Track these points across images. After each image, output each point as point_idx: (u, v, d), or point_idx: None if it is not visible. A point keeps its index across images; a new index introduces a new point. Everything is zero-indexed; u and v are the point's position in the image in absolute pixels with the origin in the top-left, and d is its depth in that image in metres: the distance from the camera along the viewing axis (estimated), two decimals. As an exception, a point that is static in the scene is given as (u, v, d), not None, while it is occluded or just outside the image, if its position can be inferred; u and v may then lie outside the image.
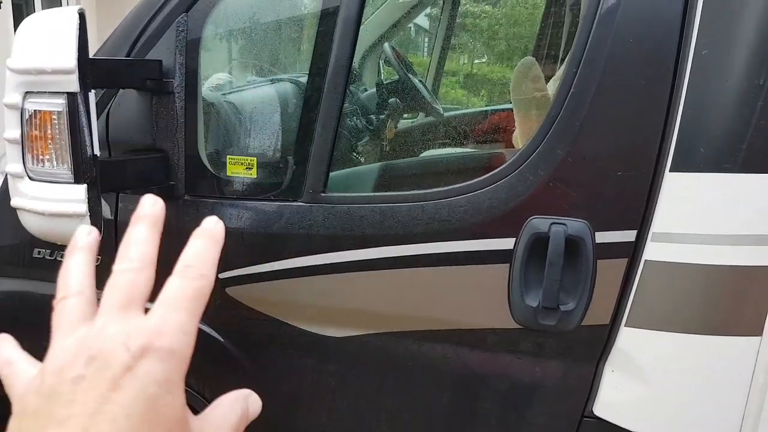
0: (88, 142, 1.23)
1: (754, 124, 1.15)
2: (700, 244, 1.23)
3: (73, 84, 1.07)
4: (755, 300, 1.21)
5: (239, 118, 1.67)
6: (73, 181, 1.12)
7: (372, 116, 2.12)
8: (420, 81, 2.58)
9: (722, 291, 1.25)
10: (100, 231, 1.27)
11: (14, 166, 1.15)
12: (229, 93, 1.74)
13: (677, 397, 1.32)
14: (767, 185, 1.17)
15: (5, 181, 1.48)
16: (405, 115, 2.53)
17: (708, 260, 1.23)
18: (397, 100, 2.33)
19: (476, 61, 3.77)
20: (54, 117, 1.10)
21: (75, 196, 1.12)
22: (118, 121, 1.56)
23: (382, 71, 2.72)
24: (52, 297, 0.41)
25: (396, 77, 2.40)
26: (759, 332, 1.20)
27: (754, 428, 1.23)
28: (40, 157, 1.14)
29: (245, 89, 1.81)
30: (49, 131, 1.10)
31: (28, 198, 1.16)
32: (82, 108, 1.16)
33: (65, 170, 1.13)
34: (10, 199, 1.32)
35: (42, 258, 1.71)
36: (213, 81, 1.78)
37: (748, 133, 1.16)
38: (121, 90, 1.55)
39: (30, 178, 1.15)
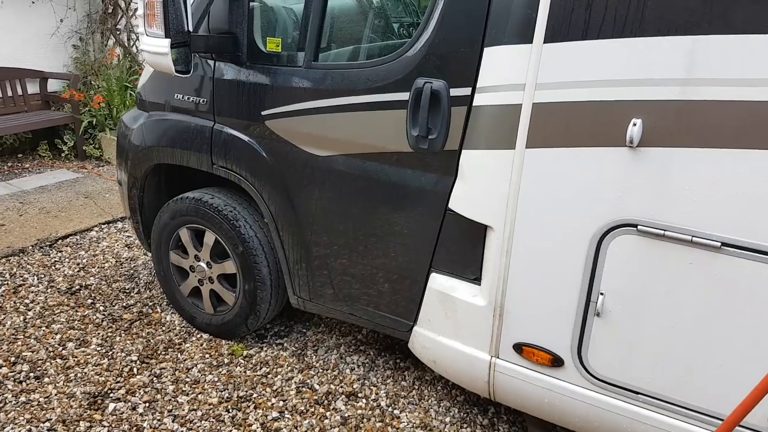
0: (185, 22, 2.34)
1: (529, 6, 1.85)
2: (496, 92, 1.97)
3: (164, -13, 2.18)
4: (509, 126, 1.93)
5: (277, 16, 2.69)
6: (163, 36, 2.24)
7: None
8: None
9: (499, 122, 1.98)
10: (189, 71, 2.39)
11: (140, 29, 2.32)
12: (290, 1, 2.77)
13: (474, 189, 2.11)
14: (525, 52, 1.87)
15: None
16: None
17: (496, 102, 1.98)
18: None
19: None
20: (157, 3, 2.21)
21: (164, 44, 2.25)
22: (214, 16, 2.67)
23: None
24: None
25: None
26: (513, 146, 1.93)
27: (515, 201, 1.98)
28: (151, 24, 2.27)
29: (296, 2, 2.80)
30: (155, 10, 2.22)
31: (146, 45, 2.33)
32: (171, 1, 2.25)
33: (161, 31, 2.25)
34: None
35: (180, 99, 2.93)
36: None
37: (531, 15, 1.85)
38: (215, -1, 2.65)
39: (146, 35, 2.31)
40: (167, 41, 2.22)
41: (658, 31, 1.69)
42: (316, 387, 2.91)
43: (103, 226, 4.77)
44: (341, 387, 2.91)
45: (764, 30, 1.57)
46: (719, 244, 1.74)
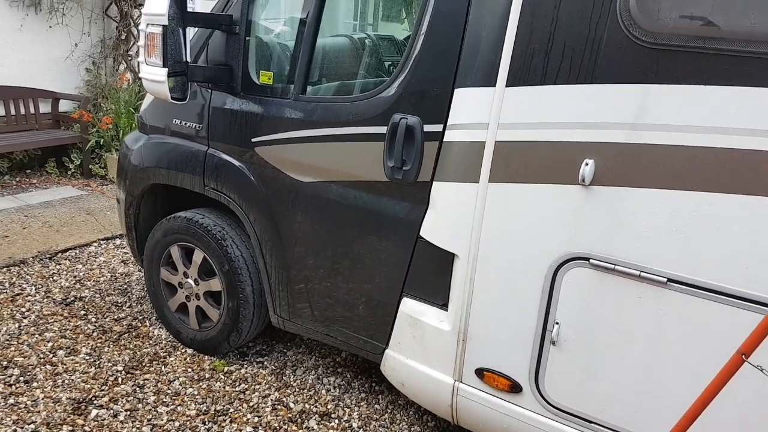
0: (183, 53, 2.52)
1: (493, 53, 2.01)
2: (464, 130, 2.12)
3: (164, 20, 2.35)
4: (475, 161, 2.07)
5: (270, 51, 2.87)
6: (161, 66, 2.42)
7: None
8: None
9: (466, 157, 2.12)
10: (185, 98, 2.57)
11: (141, 58, 2.49)
12: (283, 38, 2.95)
13: (443, 219, 2.24)
14: (489, 94, 2.02)
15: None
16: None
17: (463, 138, 2.12)
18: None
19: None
20: (157, 36, 2.39)
21: (161, 73, 2.42)
22: (212, 49, 2.85)
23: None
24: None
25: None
26: (477, 180, 2.06)
27: (478, 232, 2.10)
28: (151, 54, 2.45)
29: (290, 37, 2.99)
30: (155, 42, 2.41)
31: (145, 72, 2.50)
32: (170, 34, 2.43)
33: (159, 61, 2.43)
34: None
35: (177, 124, 3.10)
36: (278, 29, 2.99)
37: (495, 61, 2.01)
38: (215, 32, 2.83)
39: (146, 63, 2.48)
40: (164, 70, 2.40)
41: (610, 78, 1.83)
42: (292, 405, 2.99)
43: (102, 242, 4.91)
44: (316, 407, 3.00)
45: (705, 82, 1.72)
46: (665, 279, 1.85)
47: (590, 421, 2.09)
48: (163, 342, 3.47)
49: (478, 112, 2.05)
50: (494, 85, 1.98)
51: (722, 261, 1.76)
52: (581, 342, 2.02)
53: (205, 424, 2.81)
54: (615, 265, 1.91)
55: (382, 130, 2.36)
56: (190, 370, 3.22)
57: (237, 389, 3.10)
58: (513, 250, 2.06)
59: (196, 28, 2.77)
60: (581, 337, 2.02)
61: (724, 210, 1.73)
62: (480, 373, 2.26)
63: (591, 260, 1.93)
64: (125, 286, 4.18)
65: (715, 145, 1.71)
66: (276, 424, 2.84)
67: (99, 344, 3.41)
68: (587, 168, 1.86)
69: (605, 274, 1.94)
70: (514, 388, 2.19)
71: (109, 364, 3.22)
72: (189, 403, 2.96)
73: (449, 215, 2.22)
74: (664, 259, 1.85)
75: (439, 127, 2.22)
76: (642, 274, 1.88)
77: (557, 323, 2.04)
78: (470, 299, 2.20)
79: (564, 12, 1.89)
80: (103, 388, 3.02)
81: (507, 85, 1.96)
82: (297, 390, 3.12)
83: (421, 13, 2.25)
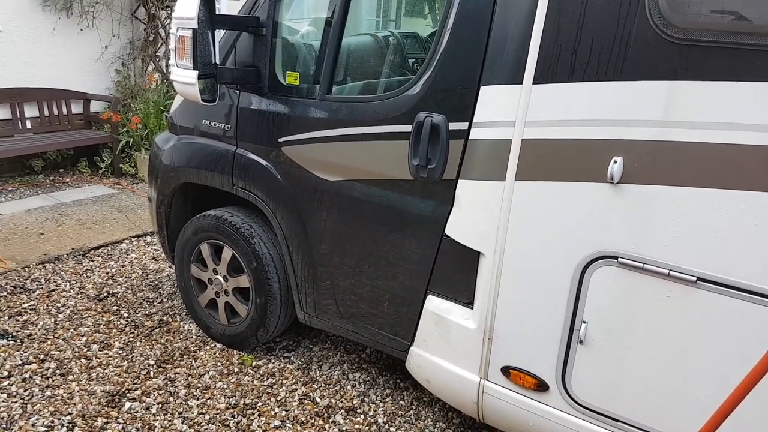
0: (212, 56, 2.57)
1: (520, 50, 2.01)
2: (490, 128, 2.12)
3: (194, 24, 2.39)
4: (501, 159, 2.07)
5: (297, 52, 2.90)
6: (192, 68, 2.46)
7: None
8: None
9: (492, 155, 2.12)
10: (215, 100, 2.62)
11: (172, 61, 2.55)
12: (308, 38, 2.98)
13: (468, 217, 2.24)
14: (516, 92, 2.02)
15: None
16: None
17: (489, 136, 2.12)
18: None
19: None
20: (187, 39, 2.44)
21: (192, 75, 2.46)
22: (240, 51, 2.89)
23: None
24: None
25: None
26: (503, 178, 2.06)
27: (504, 230, 2.10)
28: (181, 57, 2.50)
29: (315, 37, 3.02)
30: (185, 45, 2.45)
31: (176, 75, 2.55)
32: (200, 37, 2.47)
33: (190, 63, 2.47)
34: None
35: (207, 125, 3.16)
36: (303, 29, 3.02)
37: (522, 58, 2.01)
38: (242, 33, 2.87)
39: (177, 66, 2.53)
40: (195, 73, 2.44)
41: (638, 75, 1.82)
42: (318, 400, 3.03)
43: (133, 239, 5.02)
44: (342, 402, 3.03)
45: (736, 78, 1.69)
46: (695, 278, 1.83)
47: (618, 420, 2.08)
48: (194, 337, 3.54)
49: (505, 110, 2.05)
50: (521, 83, 1.98)
51: (753, 260, 1.74)
52: (609, 341, 2.01)
53: (234, 417, 2.86)
54: (644, 263, 1.89)
55: (408, 128, 2.37)
56: (219, 364, 3.28)
57: (265, 383, 3.15)
58: (540, 248, 2.06)
59: (224, 31, 2.81)
60: (609, 336, 2.01)
61: (754, 208, 1.70)
62: (506, 371, 2.27)
63: (619, 259, 1.92)
64: (156, 282, 4.26)
65: (746, 142, 1.68)
66: (303, 418, 2.88)
67: (131, 339, 3.49)
68: (616, 166, 1.85)
69: (634, 273, 1.92)
70: (541, 386, 2.19)
71: (141, 358, 3.29)
72: (219, 396, 3.02)
73: (475, 213, 2.22)
74: (693, 257, 1.83)
75: (464, 125, 2.22)
76: (671, 273, 1.86)
77: (585, 322, 2.03)
78: (496, 297, 2.20)
79: (591, 8, 1.88)
80: (135, 381, 3.10)
81: (534, 83, 1.95)
82: (323, 385, 3.16)
83: (446, 10, 2.26)
